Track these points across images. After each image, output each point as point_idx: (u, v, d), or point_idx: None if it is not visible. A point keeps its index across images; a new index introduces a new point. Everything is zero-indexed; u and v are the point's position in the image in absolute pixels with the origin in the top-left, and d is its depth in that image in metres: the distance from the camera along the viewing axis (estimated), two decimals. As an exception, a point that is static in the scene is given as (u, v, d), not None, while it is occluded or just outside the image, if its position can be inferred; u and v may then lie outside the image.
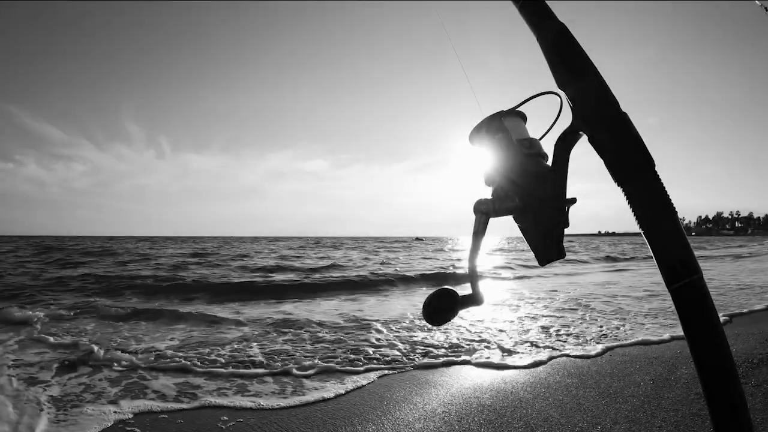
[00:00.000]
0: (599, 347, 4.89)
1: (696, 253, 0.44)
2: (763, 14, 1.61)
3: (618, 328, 5.99)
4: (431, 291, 0.52)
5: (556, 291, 10.73)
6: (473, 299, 0.51)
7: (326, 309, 8.45)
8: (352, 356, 4.73)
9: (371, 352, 4.87)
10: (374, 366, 4.38)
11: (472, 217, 0.53)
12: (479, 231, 0.52)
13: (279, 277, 14.07)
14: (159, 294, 10.04)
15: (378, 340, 5.53)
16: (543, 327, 6.17)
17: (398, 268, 17.08)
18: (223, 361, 4.59)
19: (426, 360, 4.57)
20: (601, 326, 6.15)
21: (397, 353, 4.83)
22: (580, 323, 6.39)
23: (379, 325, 6.37)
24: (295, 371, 4.23)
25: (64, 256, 22.29)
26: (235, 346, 5.25)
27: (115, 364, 4.48)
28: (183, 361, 4.53)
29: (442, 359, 4.58)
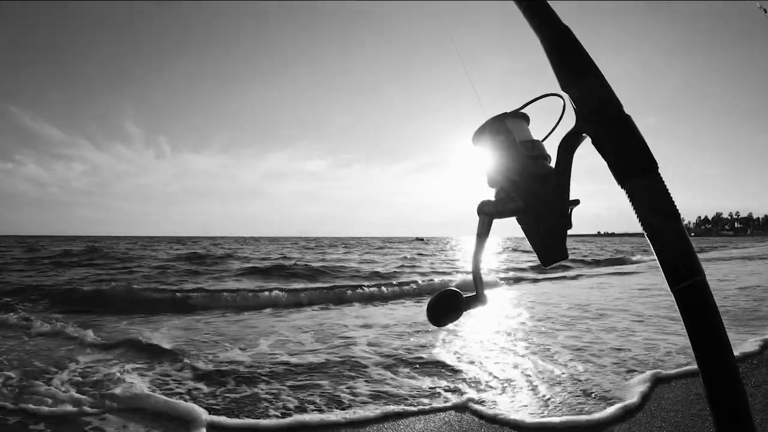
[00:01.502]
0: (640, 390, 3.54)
1: (700, 255, 0.44)
2: (762, 15, 1.61)
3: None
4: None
5: (565, 298, 10.69)
6: (477, 300, 0.52)
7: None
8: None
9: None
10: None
11: (473, 217, 0.53)
12: (483, 232, 0.53)
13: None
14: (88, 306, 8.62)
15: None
16: (565, 346, 5.06)
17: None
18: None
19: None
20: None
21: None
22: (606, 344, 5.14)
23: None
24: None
25: (48, 257, 21.94)
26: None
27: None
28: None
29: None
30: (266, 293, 9.57)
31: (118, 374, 4.25)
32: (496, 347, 5.11)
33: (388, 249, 39.22)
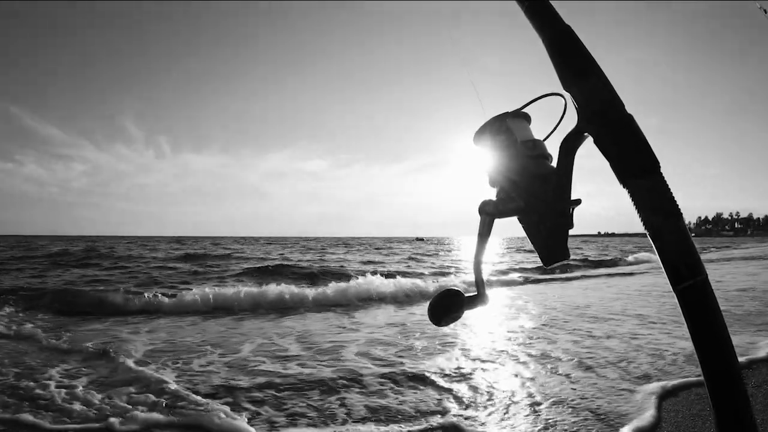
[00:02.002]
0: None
1: (702, 256, 0.44)
2: (762, 15, 1.61)
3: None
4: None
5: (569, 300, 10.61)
6: (479, 300, 0.52)
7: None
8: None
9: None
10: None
11: (473, 217, 0.53)
12: (484, 232, 0.53)
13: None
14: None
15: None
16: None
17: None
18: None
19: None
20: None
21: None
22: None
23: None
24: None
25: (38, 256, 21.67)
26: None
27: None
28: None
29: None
30: (260, 295, 9.25)
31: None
32: (492, 356, 4.89)
33: (388, 249, 39.17)
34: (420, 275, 15.30)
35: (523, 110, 0.57)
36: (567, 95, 0.50)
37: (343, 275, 14.80)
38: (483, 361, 4.68)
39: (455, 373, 4.30)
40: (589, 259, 22.81)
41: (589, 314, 7.44)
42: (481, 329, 6.15)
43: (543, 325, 6.59)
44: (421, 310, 8.37)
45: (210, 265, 19.18)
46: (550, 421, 3.19)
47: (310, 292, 9.80)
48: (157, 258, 23.22)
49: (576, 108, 0.48)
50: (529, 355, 4.93)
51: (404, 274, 14.52)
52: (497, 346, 5.33)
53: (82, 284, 12.19)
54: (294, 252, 32.47)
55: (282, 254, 28.52)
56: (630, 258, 23.19)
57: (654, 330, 6.03)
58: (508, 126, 0.55)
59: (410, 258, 25.94)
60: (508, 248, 39.25)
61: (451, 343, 5.43)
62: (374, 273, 12.81)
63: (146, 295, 9.36)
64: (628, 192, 0.45)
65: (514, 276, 14.71)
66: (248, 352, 5.24)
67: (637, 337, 5.63)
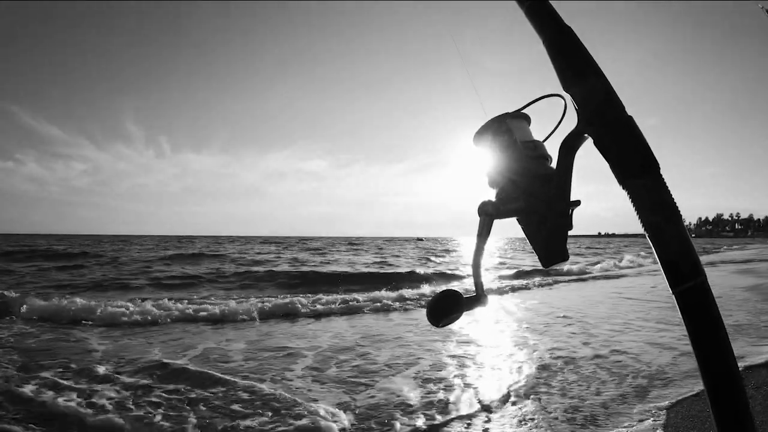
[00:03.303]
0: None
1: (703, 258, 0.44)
2: (763, 15, 1.61)
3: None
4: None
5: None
6: (477, 301, 0.52)
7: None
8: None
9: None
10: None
11: (473, 218, 0.53)
12: (483, 233, 0.53)
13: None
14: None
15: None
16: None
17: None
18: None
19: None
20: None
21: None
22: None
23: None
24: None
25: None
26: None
27: None
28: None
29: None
30: (239, 304, 8.79)
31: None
32: (470, 382, 4.28)
33: (388, 250, 38.98)
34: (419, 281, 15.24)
35: (523, 111, 0.57)
36: (567, 96, 0.50)
37: (342, 280, 14.72)
38: (450, 392, 4.07)
39: (415, 404, 3.77)
40: (595, 260, 22.34)
41: (582, 321, 7.41)
42: (460, 340, 5.77)
43: (530, 332, 6.48)
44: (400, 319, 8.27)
45: (202, 269, 18.51)
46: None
47: (297, 302, 9.57)
48: (145, 259, 22.59)
49: (576, 109, 0.48)
50: (506, 368, 4.61)
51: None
52: (475, 363, 4.88)
53: (52, 289, 11.70)
54: (292, 253, 31.78)
55: (278, 256, 27.75)
56: (638, 260, 22.90)
57: (651, 337, 6.02)
58: (509, 126, 0.55)
59: (411, 259, 25.65)
60: (508, 248, 39.07)
61: (423, 358, 5.07)
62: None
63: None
64: (628, 193, 0.45)
65: (512, 281, 14.51)
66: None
67: (628, 348, 5.43)
